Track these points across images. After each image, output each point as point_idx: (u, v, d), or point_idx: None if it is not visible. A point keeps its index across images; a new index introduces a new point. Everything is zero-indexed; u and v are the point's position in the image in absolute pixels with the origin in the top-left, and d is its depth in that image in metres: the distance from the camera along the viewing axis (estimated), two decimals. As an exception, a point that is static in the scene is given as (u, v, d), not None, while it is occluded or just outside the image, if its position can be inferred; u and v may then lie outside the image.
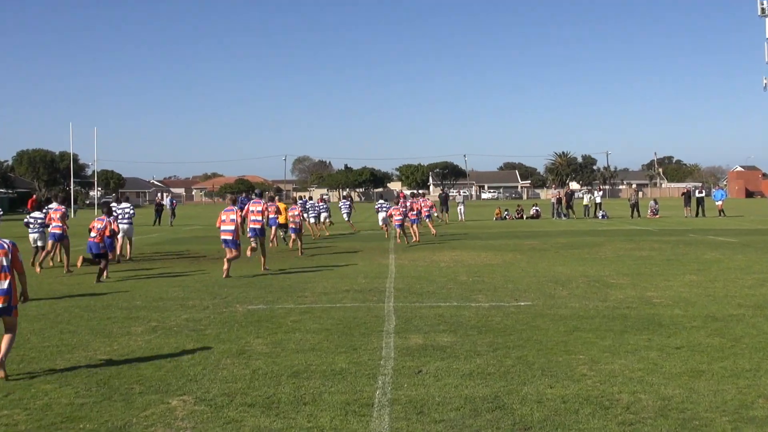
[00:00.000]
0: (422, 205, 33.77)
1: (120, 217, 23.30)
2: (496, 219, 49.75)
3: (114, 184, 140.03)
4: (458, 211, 48.68)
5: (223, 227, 18.36)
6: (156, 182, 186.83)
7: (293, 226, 25.24)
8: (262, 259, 19.65)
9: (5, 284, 8.71)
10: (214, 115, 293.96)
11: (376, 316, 12.21)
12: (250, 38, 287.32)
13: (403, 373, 8.52)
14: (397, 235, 28.64)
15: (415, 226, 29.19)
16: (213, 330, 11.24)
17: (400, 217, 28.36)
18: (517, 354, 9.38)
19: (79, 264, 18.22)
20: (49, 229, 20.86)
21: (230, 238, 18.19)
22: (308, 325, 11.51)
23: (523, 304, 13.25)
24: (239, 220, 18.41)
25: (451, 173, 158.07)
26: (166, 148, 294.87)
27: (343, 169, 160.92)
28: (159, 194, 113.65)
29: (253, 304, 13.79)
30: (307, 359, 9.24)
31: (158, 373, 8.73)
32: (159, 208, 49.48)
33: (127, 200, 26.37)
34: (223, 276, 17.86)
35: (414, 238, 28.63)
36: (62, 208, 20.72)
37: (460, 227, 40.55)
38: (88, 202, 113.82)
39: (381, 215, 35.85)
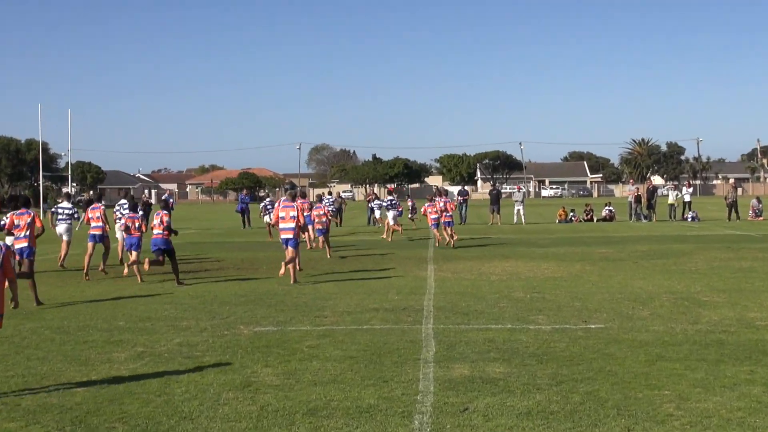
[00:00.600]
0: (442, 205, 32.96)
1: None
2: (560, 221, 49.49)
3: (92, 178, 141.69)
4: (515, 212, 48.48)
5: (282, 225, 19.97)
6: (143, 176, 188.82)
7: (320, 227, 27.32)
8: (292, 270, 19.60)
9: None
10: (212, 95, 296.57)
11: (412, 340, 12.20)
12: (254, 2, 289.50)
13: (445, 412, 8.51)
14: (437, 238, 30.59)
15: (450, 228, 30.57)
16: (212, 357, 11.31)
17: (436, 216, 30.10)
18: (586, 388, 9.33)
19: (146, 266, 20.30)
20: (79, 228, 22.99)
21: (291, 236, 19.78)
22: (328, 351, 11.55)
23: (593, 326, 13.19)
24: (301, 217, 20.00)
25: (503, 165, 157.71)
26: (154, 135, 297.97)
27: (370, 160, 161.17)
28: (146, 191, 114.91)
29: (260, 325, 13.86)
30: (326, 394, 9.27)
31: (145, 410, 8.79)
32: (146, 209, 49.93)
33: (127, 197, 27.25)
34: (291, 282, 19.31)
35: (448, 240, 30.10)
36: (100, 206, 23.64)
37: (515, 231, 40.42)
38: (60, 201, 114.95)
39: (391, 213, 36.68)
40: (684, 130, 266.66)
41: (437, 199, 31.64)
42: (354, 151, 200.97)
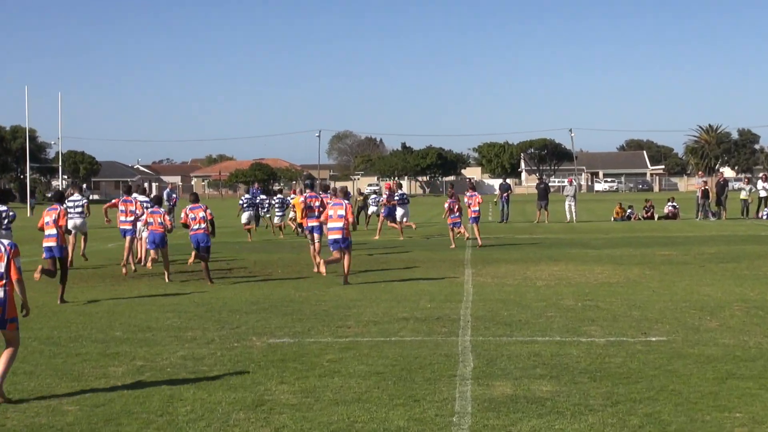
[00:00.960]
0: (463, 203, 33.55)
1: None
2: (616, 219, 49.36)
3: (85, 170, 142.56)
4: (566, 207, 48.36)
5: (330, 224, 20.80)
6: (142, 168, 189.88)
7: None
8: (345, 267, 20.69)
9: (0, 292, 9.98)
10: (220, 77, 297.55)
11: (447, 354, 12.21)
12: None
13: (484, 436, 8.50)
14: (463, 235, 32.34)
15: (475, 227, 32.12)
16: (220, 372, 11.35)
17: (458, 214, 31.38)
18: (646, 410, 9.30)
19: (191, 261, 21.82)
20: (130, 226, 24.58)
21: (340, 237, 20.53)
22: (352, 366, 11.57)
23: (654, 339, 13.15)
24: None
25: (551, 155, 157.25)
26: (155, 122, 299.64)
27: (399, 149, 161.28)
28: (146, 184, 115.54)
29: (275, 336, 13.91)
30: (350, 414, 9.30)
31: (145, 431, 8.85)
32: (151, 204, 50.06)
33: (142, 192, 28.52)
34: (343, 283, 20.24)
35: (465, 236, 32.43)
36: (132, 199, 25.04)
37: (565, 230, 40.32)
38: (50, 194, 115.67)
39: (400, 211, 37.46)
40: (758, 115, 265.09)
41: (469, 193, 32.66)
42: (381, 139, 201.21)
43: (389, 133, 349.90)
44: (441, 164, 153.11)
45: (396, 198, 38.01)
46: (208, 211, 21.76)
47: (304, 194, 24.59)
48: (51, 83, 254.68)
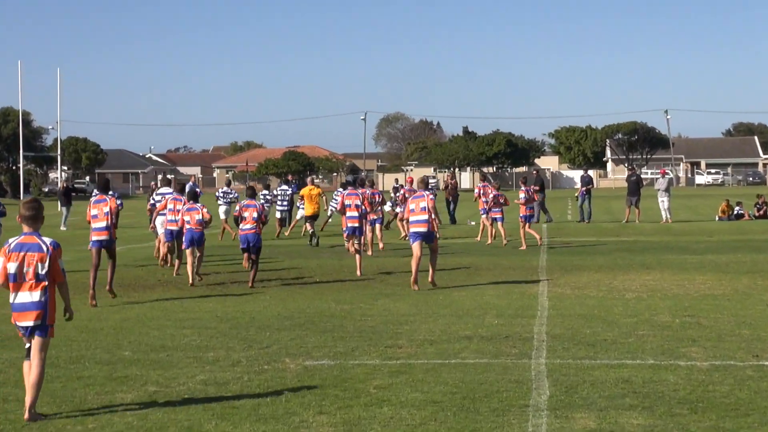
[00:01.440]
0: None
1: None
2: (722, 218, 48.92)
3: (88, 160, 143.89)
4: (659, 204, 47.98)
5: (413, 218, 22.38)
6: (155, 157, 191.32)
7: (375, 216, 31.23)
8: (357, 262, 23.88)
9: (38, 295, 10.71)
10: (247, 52, 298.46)
11: (517, 380, 12.18)
12: None
13: (562, 478, 8.48)
14: (504, 236, 34.13)
15: (501, 225, 34.53)
16: (248, 400, 11.39)
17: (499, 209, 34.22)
18: (758, 449, 9.20)
19: (246, 263, 24.00)
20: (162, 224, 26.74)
21: (425, 230, 22.04)
22: (404, 394, 11.57)
23: (768, 363, 13.03)
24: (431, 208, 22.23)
25: (642, 141, 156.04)
26: (170, 104, 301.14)
27: (460, 134, 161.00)
28: (160, 175, 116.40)
29: (312, 357, 13.95)
30: (401, 451, 9.27)
31: (159, 470, 8.90)
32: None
33: (168, 184, 30.65)
34: (432, 285, 21.86)
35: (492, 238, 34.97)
36: (182, 198, 25.92)
37: (660, 232, 40.07)
38: (47, 189, 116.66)
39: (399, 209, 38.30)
40: None
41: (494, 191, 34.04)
42: (438, 123, 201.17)
43: (448, 116, 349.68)
44: (510, 153, 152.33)
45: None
46: (262, 209, 23.48)
47: (342, 193, 27.23)
48: (48, 58, 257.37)
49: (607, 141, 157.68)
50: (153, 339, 15.68)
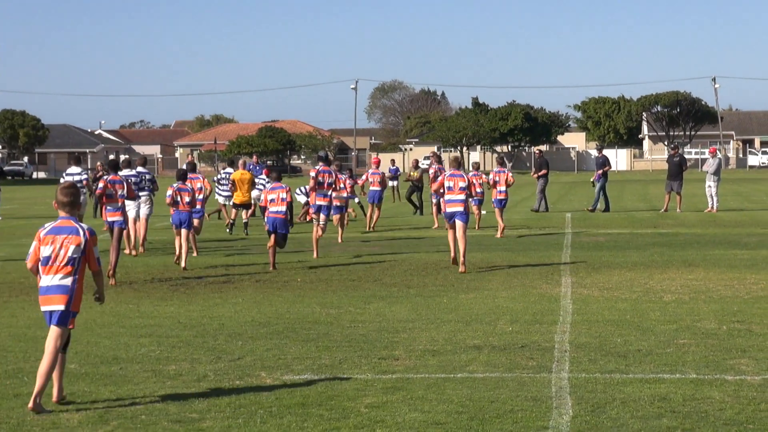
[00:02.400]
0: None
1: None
2: (778, 207, 48.94)
3: (26, 137, 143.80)
4: (706, 190, 47.84)
5: (449, 197, 25.50)
6: (106, 134, 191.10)
7: (339, 203, 33.11)
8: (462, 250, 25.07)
9: (67, 280, 11.92)
10: (212, 7, 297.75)
11: (535, 398, 12.19)
12: None
13: None
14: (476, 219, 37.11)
15: (498, 213, 36.23)
16: (216, 422, 11.41)
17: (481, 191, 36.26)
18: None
19: (270, 245, 25.66)
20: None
21: (461, 209, 25.41)
22: (401, 413, 11.57)
23: (832, 378, 13.06)
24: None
25: (684, 115, 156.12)
26: (124, 71, 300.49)
27: (468, 107, 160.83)
28: (111, 155, 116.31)
29: (293, 371, 13.96)
30: (397, 481, 9.33)
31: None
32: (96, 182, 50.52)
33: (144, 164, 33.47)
34: (461, 270, 24.56)
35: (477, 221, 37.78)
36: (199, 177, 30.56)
37: (704, 223, 40.10)
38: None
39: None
40: None
41: (497, 169, 35.06)
42: (443, 93, 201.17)
43: (455, 84, 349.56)
44: (528, 128, 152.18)
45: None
46: (290, 194, 26.15)
47: (316, 168, 30.21)
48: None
49: (644, 115, 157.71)
50: (104, 349, 15.68)
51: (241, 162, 40.86)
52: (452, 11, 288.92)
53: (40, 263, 11.92)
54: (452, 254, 25.53)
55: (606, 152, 51.89)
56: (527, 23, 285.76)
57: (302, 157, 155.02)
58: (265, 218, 26.51)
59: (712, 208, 46.93)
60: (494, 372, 13.66)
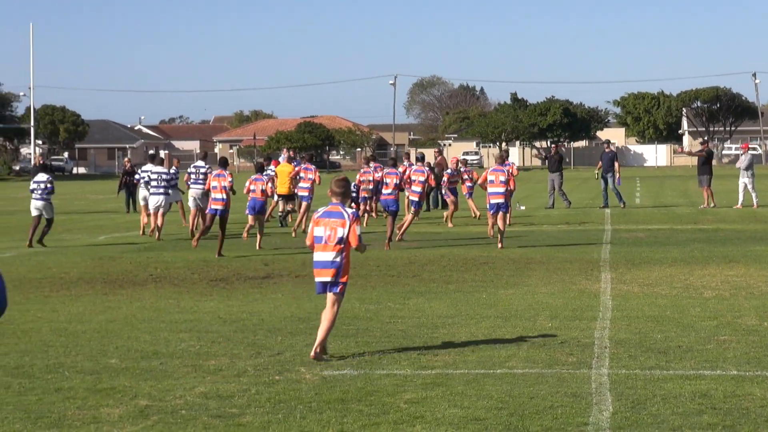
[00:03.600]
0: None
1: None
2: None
3: (66, 132, 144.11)
4: (740, 186, 47.59)
5: (492, 189, 29.52)
6: (145, 129, 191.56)
7: (366, 195, 37.81)
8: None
9: (335, 256, 14.35)
10: (252, 5, 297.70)
11: (575, 394, 12.18)
12: None
13: None
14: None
15: (451, 196, 40.34)
16: (255, 417, 11.42)
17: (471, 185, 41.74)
18: None
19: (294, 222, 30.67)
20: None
21: (502, 201, 29.62)
22: (440, 409, 11.57)
23: None
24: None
25: (725, 110, 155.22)
26: (163, 68, 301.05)
27: (507, 102, 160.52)
28: (152, 150, 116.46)
29: (332, 366, 13.98)
30: (437, 477, 9.31)
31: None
32: (133, 180, 50.51)
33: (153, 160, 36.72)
34: (500, 246, 27.72)
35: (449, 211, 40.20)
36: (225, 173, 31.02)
37: (744, 219, 39.89)
38: (18, 167, 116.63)
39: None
40: None
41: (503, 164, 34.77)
42: (481, 89, 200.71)
43: (493, 80, 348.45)
44: (568, 124, 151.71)
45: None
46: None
47: (300, 166, 35.12)
48: (19, 12, 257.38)
49: (684, 110, 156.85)
50: (144, 344, 15.73)
51: (285, 155, 41.41)
52: (491, 6, 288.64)
53: (315, 241, 14.41)
54: (490, 233, 31.19)
55: (644, 147, 51.55)
56: (566, 18, 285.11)
57: (341, 152, 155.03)
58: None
59: (749, 204, 46.40)
60: (534, 368, 13.65)
